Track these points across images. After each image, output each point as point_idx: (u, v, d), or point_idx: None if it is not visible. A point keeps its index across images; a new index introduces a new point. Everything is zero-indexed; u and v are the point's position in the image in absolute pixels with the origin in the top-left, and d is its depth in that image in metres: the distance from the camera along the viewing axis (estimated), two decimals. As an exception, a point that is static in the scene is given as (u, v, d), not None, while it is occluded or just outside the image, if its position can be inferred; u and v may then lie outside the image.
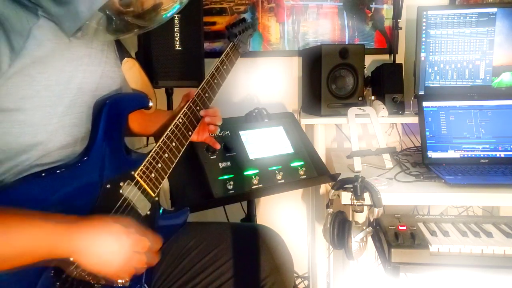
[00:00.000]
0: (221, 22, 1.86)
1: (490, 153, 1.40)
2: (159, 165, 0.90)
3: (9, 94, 0.66)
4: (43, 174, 0.70)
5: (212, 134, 1.10)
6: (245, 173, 1.19)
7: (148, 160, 0.88)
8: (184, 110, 0.98)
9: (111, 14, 0.71)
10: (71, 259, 0.65)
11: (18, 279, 0.63)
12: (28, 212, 0.63)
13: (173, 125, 0.94)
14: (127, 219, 0.74)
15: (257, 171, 1.20)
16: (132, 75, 0.98)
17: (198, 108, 1.02)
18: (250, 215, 1.45)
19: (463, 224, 1.12)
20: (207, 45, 1.82)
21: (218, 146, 1.13)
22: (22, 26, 0.66)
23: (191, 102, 1.00)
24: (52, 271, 0.67)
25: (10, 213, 0.62)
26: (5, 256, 0.60)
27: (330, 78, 1.54)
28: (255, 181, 1.18)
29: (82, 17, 0.68)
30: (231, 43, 1.19)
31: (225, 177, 1.16)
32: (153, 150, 0.89)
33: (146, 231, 0.75)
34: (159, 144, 0.90)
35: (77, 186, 0.73)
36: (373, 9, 1.83)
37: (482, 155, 1.40)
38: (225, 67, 1.13)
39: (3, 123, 0.67)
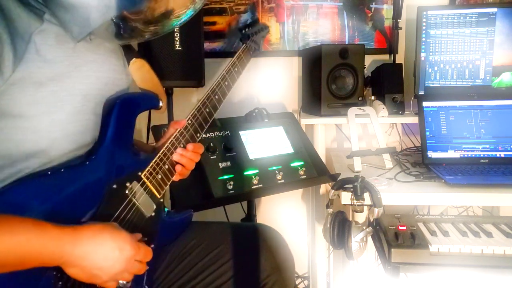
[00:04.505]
0: (221, 22, 1.86)
1: (490, 153, 1.40)
2: (166, 166, 0.90)
3: (13, 99, 0.64)
4: (49, 173, 0.69)
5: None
6: (245, 173, 1.19)
7: (155, 161, 0.87)
8: (194, 112, 0.97)
9: (119, 21, 0.69)
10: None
11: (19, 280, 0.63)
12: (19, 218, 0.61)
13: (181, 127, 0.94)
14: (118, 230, 0.72)
15: (257, 171, 1.20)
16: (141, 75, 0.97)
17: (207, 110, 1.01)
18: (250, 215, 1.45)
19: (463, 224, 1.12)
20: (207, 45, 1.82)
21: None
22: (24, 30, 0.65)
23: (201, 104, 0.99)
24: (54, 272, 0.67)
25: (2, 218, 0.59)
26: None
27: (330, 78, 1.54)
28: (255, 181, 1.18)
29: (93, 23, 0.67)
30: (244, 45, 1.18)
31: (225, 177, 1.16)
32: (160, 151, 0.89)
33: (138, 242, 0.74)
34: (167, 145, 0.90)
35: (83, 186, 0.73)
36: (373, 9, 1.83)
37: (482, 155, 1.40)
38: (236, 69, 1.12)
39: (5, 129, 0.66)
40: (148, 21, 0.73)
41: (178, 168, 0.93)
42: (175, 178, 0.96)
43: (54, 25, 0.70)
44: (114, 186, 0.78)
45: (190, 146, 0.95)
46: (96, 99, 0.79)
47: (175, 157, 0.92)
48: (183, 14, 0.76)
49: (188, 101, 1.87)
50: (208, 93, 1.02)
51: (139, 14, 0.70)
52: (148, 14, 0.71)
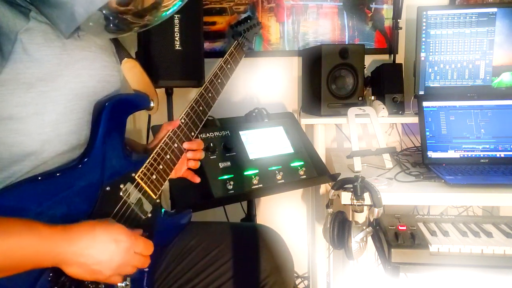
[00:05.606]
0: (221, 22, 1.86)
1: (490, 153, 1.40)
2: (161, 166, 0.89)
3: (1, 101, 0.63)
4: (39, 178, 0.68)
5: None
6: (245, 173, 1.19)
7: (149, 161, 0.87)
8: (187, 111, 0.97)
9: (109, 13, 0.69)
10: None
11: (15, 283, 0.62)
12: (11, 220, 0.60)
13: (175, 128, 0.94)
14: (115, 225, 0.72)
15: (257, 171, 1.20)
16: (133, 75, 0.97)
17: (201, 108, 1.01)
18: (250, 215, 1.45)
19: (463, 224, 1.12)
20: (207, 45, 1.82)
21: (197, 180, 1.05)
22: (9, 29, 0.63)
23: (194, 102, 0.99)
24: (50, 274, 0.66)
25: None
26: None
27: (330, 78, 1.54)
28: (255, 181, 1.18)
29: (78, 18, 0.66)
30: (236, 42, 1.17)
31: (225, 177, 1.16)
32: (154, 151, 0.88)
33: (135, 233, 0.74)
34: (161, 145, 0.89)
35: (76, 189, 0.72)
36: (373, 9, 1.83)
37: (482, 155, 1.40)
38: (229, 66, 1.12)
39: None
40: (138, 13, 0.72)
41: (189, 154, 0.97)
42: (190, 176, 1.01)
43: (42, 23, 0.69)
44: (108, 188, 0.77)
45: (186, 144, 0.96)
46: (89, 97, 0.78)
47: (185, 145, 0.96)
48: (172, 4, 0.76)
49: (188, 101, 1.87)
50: (201, 91, 1.02)
51: (128, 6, 0.69)
52: (137, 5, 0.70)
